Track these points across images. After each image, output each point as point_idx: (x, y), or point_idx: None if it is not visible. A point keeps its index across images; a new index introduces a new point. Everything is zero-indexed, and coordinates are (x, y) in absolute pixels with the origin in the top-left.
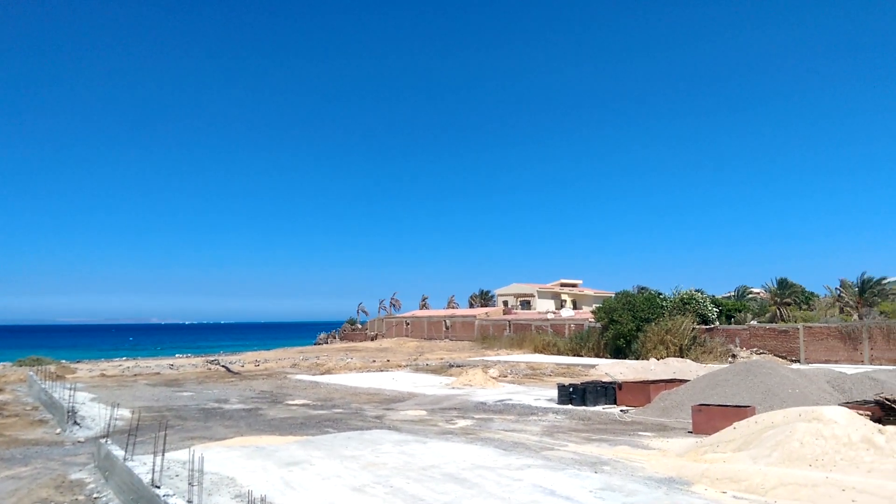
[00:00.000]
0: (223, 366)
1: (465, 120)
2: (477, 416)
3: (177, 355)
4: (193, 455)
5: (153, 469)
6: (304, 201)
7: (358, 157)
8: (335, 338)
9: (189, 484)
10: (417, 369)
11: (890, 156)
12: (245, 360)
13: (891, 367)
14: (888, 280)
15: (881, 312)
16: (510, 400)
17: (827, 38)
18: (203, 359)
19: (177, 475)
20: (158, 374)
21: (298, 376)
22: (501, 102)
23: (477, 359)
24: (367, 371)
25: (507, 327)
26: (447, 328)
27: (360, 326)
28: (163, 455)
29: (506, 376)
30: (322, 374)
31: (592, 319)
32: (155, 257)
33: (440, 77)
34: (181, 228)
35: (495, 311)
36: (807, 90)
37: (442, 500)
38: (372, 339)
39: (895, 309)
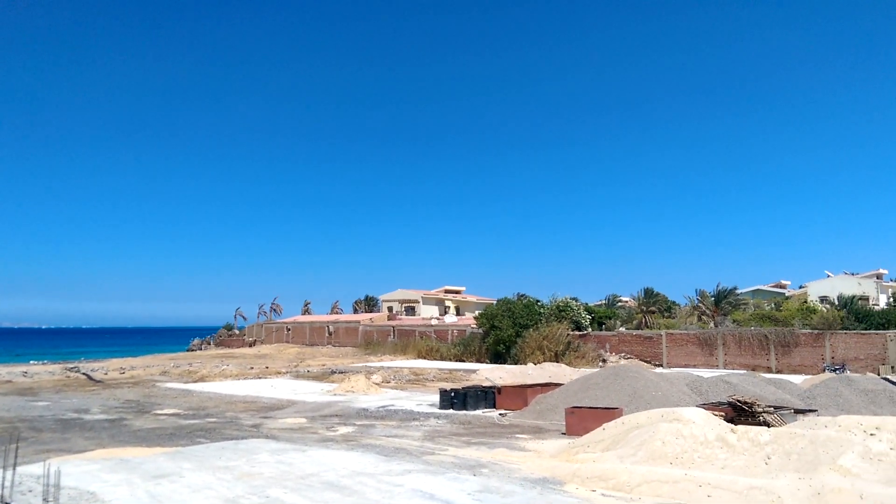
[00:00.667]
0: (84, 373)
1: (348, 127)
2: (359, 423)
3: (31, 362)
4: (49, 469)
5: (2, 484)
6: (180, 200)
7: (240, 159)
8: (210, 344)
9: (44, 500)
10: (298, 376)
11: (743, 179)
12: (109, 367)
13: (742, 371)
14: (740, 291)
15: (734, 321)
16: (393, 406)
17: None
18: (61, 366)
19: (30, 490)
20: (10, 381)
21: (169, 384)
22: (384, 110)
23: (360, 365)
24: (245, 378)
25: (392, 333)
26: (330, 334)
27: (237, 332)
28: (14, 469)
29: (389, 382)
30: (195, 381)
31: (475, 325)
32: (7, 255)
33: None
34: (38, 225)
35: (380, 317)
36: (678, 111)
37: None
38: (250, 346)
39: (746, 318)
